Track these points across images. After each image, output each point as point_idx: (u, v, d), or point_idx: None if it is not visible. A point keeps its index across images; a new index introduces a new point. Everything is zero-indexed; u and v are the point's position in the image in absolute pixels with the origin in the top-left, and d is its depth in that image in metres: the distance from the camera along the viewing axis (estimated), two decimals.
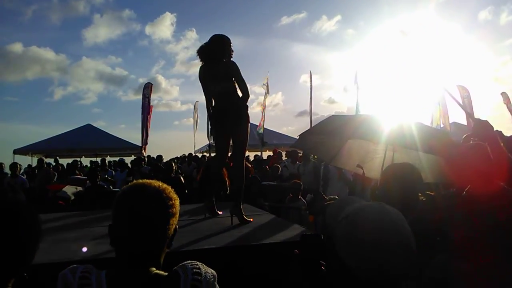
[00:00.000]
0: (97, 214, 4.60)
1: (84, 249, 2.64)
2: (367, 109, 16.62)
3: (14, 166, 8.91)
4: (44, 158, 11.59)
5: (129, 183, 1.37)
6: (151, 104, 17.03)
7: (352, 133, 3.77)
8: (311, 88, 17.57)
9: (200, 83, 4.20)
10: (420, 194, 2.61)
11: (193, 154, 16.11)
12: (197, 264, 1.22)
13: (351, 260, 1.15)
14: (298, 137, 4.56)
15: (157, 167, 9.65)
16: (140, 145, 19.48)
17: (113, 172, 11.58)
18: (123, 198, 1.25)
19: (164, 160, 12.32)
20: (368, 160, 4.01)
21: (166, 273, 1.20)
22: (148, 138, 19.85)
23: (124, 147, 19.59)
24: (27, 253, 1.13)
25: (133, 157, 16.56)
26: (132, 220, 1.21)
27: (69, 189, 8.01)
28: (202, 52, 4.09)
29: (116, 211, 1.25)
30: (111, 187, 8.67)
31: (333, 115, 4.78)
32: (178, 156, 15.04)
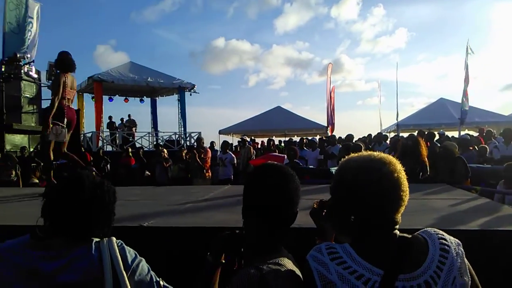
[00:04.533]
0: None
1: None
2: None
3: (225, 144, 10.25)
4: (247, 138, 12.95)
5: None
6: (332, 85, 17.06)
7: None
8: None
9: None
10: None
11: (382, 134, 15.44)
12: (439, 231, 1.22)
13: None
14: None
15: (347, 146, 9.62)
16: (325, 125, 19.95)
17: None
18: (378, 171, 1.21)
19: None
20: None
21: (410, 236, 1.19)
22: (334, 118, 20.12)
23: (311, 127, 20.34)
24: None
25: (318, 137, 17.06)
26: (390, 188, 1.19)
27: None
28: None
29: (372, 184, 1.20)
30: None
31: None
32: (365, 136, 14.66)
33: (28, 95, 14.36)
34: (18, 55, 12.72)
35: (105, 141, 17.89)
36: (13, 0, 14.10)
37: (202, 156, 10.49)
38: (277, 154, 9.43)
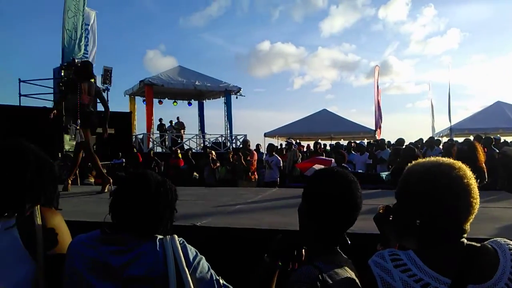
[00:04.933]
0: None
1: None
2: None
3: (271, 147, 10.28)
4: (293, 141, 12.93)
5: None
6: (379, 88, 16.64)
7: None
8: None
9: None
10: None
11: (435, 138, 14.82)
12: (509, 241, 1.17)
13: None
14: None
15: (398, 150, 9.33)
16: (374, 128, 19.47)
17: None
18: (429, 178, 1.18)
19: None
20: None
21: (478, 244, 1.16)
22: (381, 121, 19.60)
23: (358, 130, 19.92)
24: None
25: (366, 141, 16.67)
26: (459, 194, 1.15)
27: (316, 168, 8.67)
28: None
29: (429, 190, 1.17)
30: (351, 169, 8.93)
31: None
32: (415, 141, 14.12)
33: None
34: (76, 60, 13.50)
35: (155, 143, 18.55)
36: (72, 8, 15.00)
37: (248, 158, 10.59)
38: (324, 157, 9.32)
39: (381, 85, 16.48)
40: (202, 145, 19.78)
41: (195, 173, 11.66)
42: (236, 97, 20.32)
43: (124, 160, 14.53)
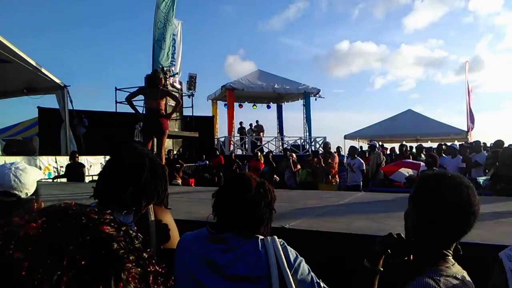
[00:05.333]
0: None
1: None
2: None
3: (352, 149, 10.01)
4: (376, 143, 12.45)
5: None
6: (470, 85, 15.31)
7: None
8: None
9: None
10: None
11: None
12: None
13: None
14: None
15: (497, 153, 8.51)
16: (465, 129, 17.98)
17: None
18: None
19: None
20: None
21: None
22: (474, 122, 18.05)
23: (447, 132, 18.56)
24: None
25: (458, 143, 15.44)
26: None
27: (402, 172, 8.26)
28: None
29: None
30: None
31: None
32: None
33: (172, 104, 16.16)
34: (164, 69, 14.42)
35: (236, 145, 19.10)
36: (161, 19, 16.09)
37: (329, 161, 10.39)
38: (411, 161, 8.83)
39: (472, 82, 15.12)
40: (280, 147, 19.91)
41: (275, 177, 11.74)
42: (315, 99, 20.13)
43: (207, 162, 15.18)
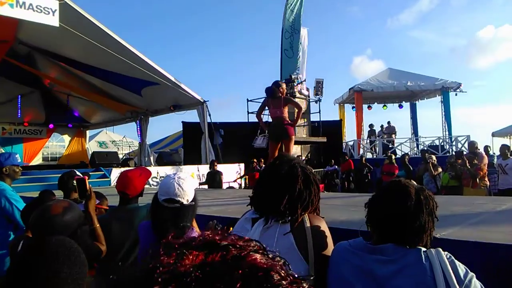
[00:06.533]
0: None
1: None
2: None
3: (504, 148, 8.82)
4: None
5: None
6: None
7: None
8: None
9: None
10: None
11: None
12: None
13: None
14: None
15: None
16: None
17: None
18: None
19: None
20: None
21: None
22: None
23: None
24: None
25: None
26: None
27: None
28: None
29: None
30: None
31: None
32: None
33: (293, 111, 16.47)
34: (292, 77, 14.77)
35: (365, 149, 18.44)
36: (288, 29, 16.59)
37: (475, 162, 9.26)
38: None
39: None
40: (415, 149, 18.54)
41: (412, 181, 10.96)
42: (456, 94, 18.23)
43: (336, 166, 14.97)
